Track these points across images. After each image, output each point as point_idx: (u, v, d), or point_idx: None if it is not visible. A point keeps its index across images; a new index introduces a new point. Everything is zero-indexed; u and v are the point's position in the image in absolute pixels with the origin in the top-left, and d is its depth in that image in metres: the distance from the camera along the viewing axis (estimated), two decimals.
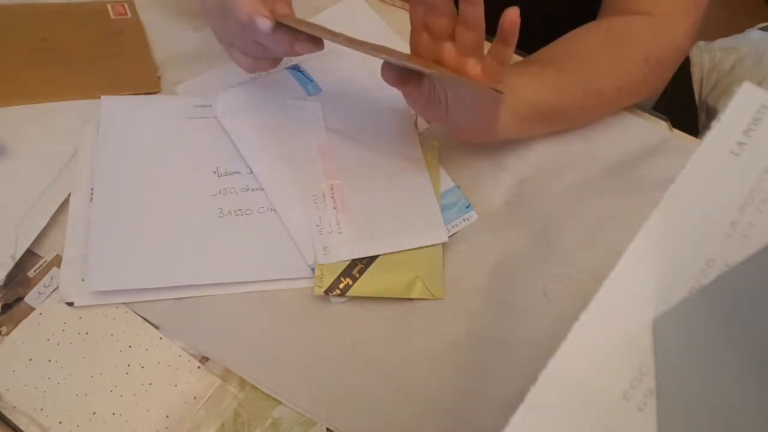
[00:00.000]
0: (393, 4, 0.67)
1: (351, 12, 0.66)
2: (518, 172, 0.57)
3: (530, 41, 0.59)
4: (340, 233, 0.52)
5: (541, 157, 0.58)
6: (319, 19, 0.66)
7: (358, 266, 0.51)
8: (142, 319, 0.49)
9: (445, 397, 0.47)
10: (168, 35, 0.66)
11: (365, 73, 0.62)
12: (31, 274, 0.51)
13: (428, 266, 0.52)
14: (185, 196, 0.54)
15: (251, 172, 0.55)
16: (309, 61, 0.62)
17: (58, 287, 0.50)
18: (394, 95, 0.52)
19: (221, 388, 0.48)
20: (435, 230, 0.53)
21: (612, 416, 0.26)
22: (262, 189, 0.55)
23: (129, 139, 0.56)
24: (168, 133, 0.57)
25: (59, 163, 0.55)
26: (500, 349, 0.49)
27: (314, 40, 0.48)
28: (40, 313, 0.49)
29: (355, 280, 0.50)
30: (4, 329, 0.49)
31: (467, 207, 0.55)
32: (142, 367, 0.48)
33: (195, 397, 0.47)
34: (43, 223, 0.52)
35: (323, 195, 0.54)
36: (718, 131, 0.28)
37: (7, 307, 0.50)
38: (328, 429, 0.46)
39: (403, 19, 0.66)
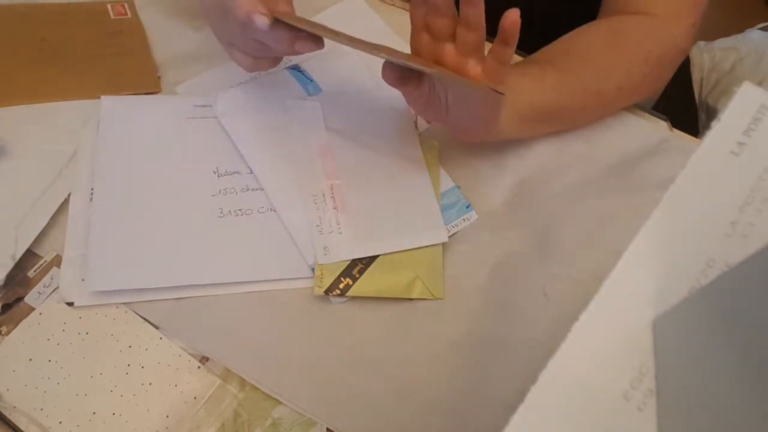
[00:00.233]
0: (393, 4, 0.67)
1: (351, 12, 0.66)
2: (518, 172, 0.57)
3: (530, 42, 0.59)
4: (340, 233, 0.52)
5: (541, 157, 0.58)
6: (319, 19, 0.66)
7: (358, 266, 0.51)
8: (142, 319, 0.49)
9: (445, 397, 0.47)
10: (168, 35, 0.66)
11: (365, 73, 0.62)
12: (31, 274, 0.51)
13: (428, 266, 0.52)
14: (185, 196, 0.54)
15: (251, 172, 0.55)
16: (309, 61, 0.62)
17: (58, 287, 0.50)
18: (394, 95, 0.52)
19: (221, 388, 0.48)
20: (435, 230, 0.53)
21: (612, 416, 0.26)
22: (262, 189, 0.55)
23: (129, 139, 0.56)
24: (168, 133, 0.57)
25: (59, 163, 0.55)
26: (500, 349, 0.49)
27: (315, 38, 0.48)
28: (40, 313, 0.49)
29: (355, 280, 0.50)
30: (4, 329, 0.49)
31: (467, 207, 0.55)
32: (142, 367, 0.48)
33: (195, 397, 0.47)
34: (43, 223, 0.52)
35: (323, 195, 0.54)
36: (718, 131, 0.28)
37: (7, 307, 0.50)
38: (328, 429, 0.46)
39: (403, 19, 0.66)
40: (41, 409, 0.46)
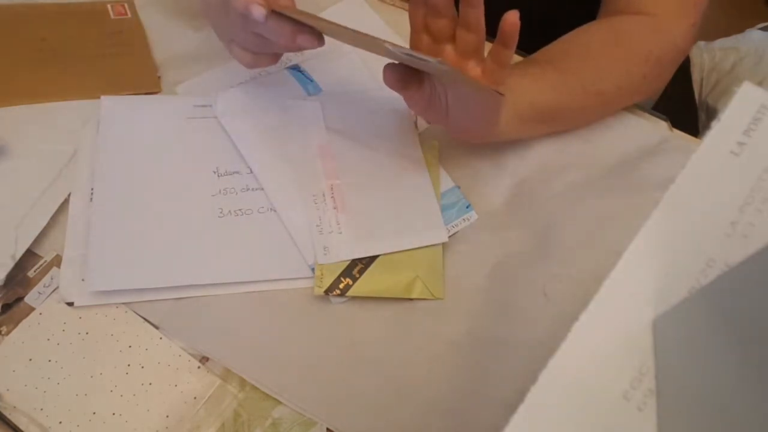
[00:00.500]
0: (393, 4, 0.67)
1: (351, 12, 0.66)
2: (518, 172, 0.57)
3: (530, 42, 0.59)
4: (340, 233, 0.52)
5: (541, 157, 0.58)
6: None
7: (358, 266, 0.51)
8: (142, 319, 0.49)
9: (445, 397, 0.47)
10: (168, 35, 0.66)
11: (365, 73, 0.62)
12: (31, 274, 0.51)
13: (428, 266, 0.52)
14: (185, 196, 0.54)
15: (251, 172, 0.55)
16: (309, 61, 0.62)
17: (58, 287, 0.50)
18: (394, 95, 0.52)
19: (221, 388, 0.48)
20: (435, 230, 0.53)
21: (612, 416, 0.26)
22: (262, 189, 0.55)
23: (129, 139, 0.56)
24: (168, 133, 0.57)
25: (59, 163, 0.55)
26: (500, 349, 0.49)
27: (316, 33, 0.48)
28: (40, 313, 0.49)
29: (355, 280, 0.50)
30: (4, 329, 0.49)
31: (467, 207, 0.55)
32: (142, 367, 0.48)
33: (195, 397, 0.47)
34: (43, 223, 0.52)
35: (323, 195, 0.54)
36: (718, 131, 0.28)
37: (7, 307, 0.50)
38: (328, 429, 0.46)
39: (403, 19, 0.66)
40: (41, 409, 0.46)
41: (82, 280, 0.50)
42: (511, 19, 0.42)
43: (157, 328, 0.49)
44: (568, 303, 0.50)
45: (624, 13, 0.58)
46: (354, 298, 0.51)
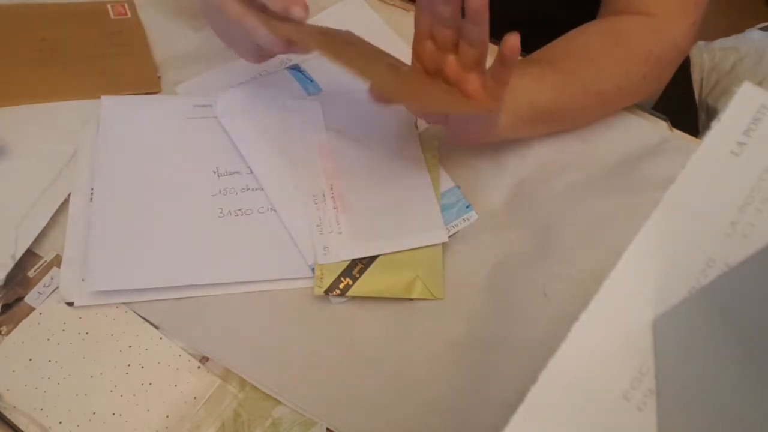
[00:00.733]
0: (393, 4, 0.67)
1: (351, 12, 0.66)
2: (518, 172, 0.57)
3: (530, 42, 0.59)
4: (340, 233, 0.52)
5: (541, 157, 0.58)
6: (319, 19, 0.66)
7: (358, 266, 0.51)
8: (142, 319, 0.49)
9: (445, 397, 0.47)
10: (168, 35, 0.66)
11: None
12: (31, 274, 0.51)
13: (428, 266, 0.52)
14: (185, 196, 0.54)
15: (251, 172, 0.55)
16: (309, 61, 0.62)
17: (58, 287, 0.50)
18: None
19: (221, 388, 0.48)
20: (435, 230, 0.53)
21: (612, 416, 0.26)
22: (262, 189, 0.55)
23: (129, 139, 0.56)
24: (168, 133, 0.57)
25: (59, 163, 0.55)
26: (500, 349, 0.49)
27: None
28: (40, 313, 0.49)
29: (355, 280, 0.50)
30: (4, 329, 0.49)
31: (467, 207, 0.55)
32: (142, 367, 0.48)
33: (195, 397, 0.47)
34: (43, 223, 0.52)
35: (323, 195, 0.54)
36: (718, 131, 0.28)
37: (7, 307, 0.50)
38: (328, 429, 0.46)
39: (402, 19, 0.66)
40: (41, 409, 0.46)
41: (82, 280, 0.50)
42: (511, 42, 0.42)
43: (157, 328, 0.49)
44: (568, 303, 0.50)
45: (624, 13, 0.58)
46: (354, 298, 0.51)
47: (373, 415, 0.46)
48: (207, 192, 0.54)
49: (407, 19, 0.66)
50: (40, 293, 0.50)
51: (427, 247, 0.52)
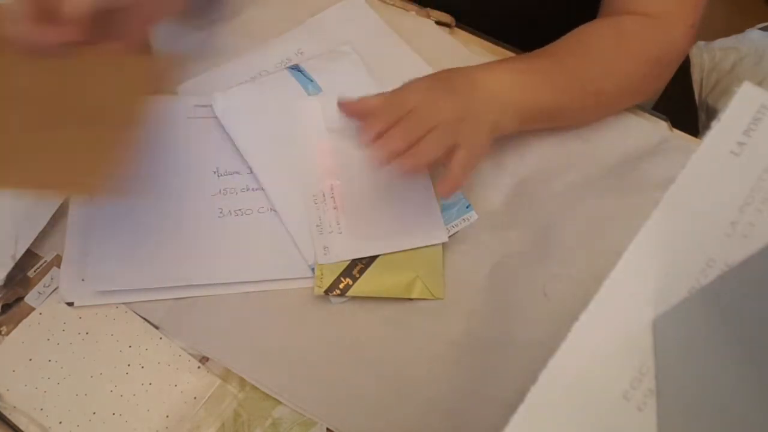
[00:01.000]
0: (393, 4, 0.67)
1: (351, 12, 0.66)
2: (518, 172, 0.57)
3: (530, 42, 0.59)
4: (340, 233, 0.52)
5: (541, 157, 0.58)
6: (319, 19, 0.66)
7: (358, 266, 0.51)
8: (142, 319, 0.49)
9: (445, 397, 0.47)
10: (168, 35, 0.65)
11: (365, 73, 0.62)
12: (31, 274, 0.51)
13: (428, 266, 0.52)
14: (185, 196, 0.54)
15: (251, 172, 0.55)
16: (309, 61, 0.61)
17: (58, 287, 0.50)
18: None
19: (221, 388, 0.48)
20: (435, 230, 0.53)
21: (612, 416, 0.26)
22: (262, 189, 0.55)
23: None
24: (168, 133, 0.57)
25: None
26: (500, 349, 0.49)
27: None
28: (40, 313, 0.49)
29: (355, 280, 0.50)
30: (4, 329, 0.49)
31: (467, 207, 0.55)
32: (142, 367, 0.48)
33: (195, 397, 0.47)
34: (43, 223, 0.52)
35: (323, 195, 0.54)
36: (718, 131, 0.28)
37: (7, 307, 0.50)
38: (328, 429, 0.46)
39: (402, 19, 0.66)
40: (41, 409, 0.46)
41: (82, 280, 0.50)
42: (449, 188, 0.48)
43: (157, 328, 0.49)
44: (568, 303, 0.50)
45: (623, 14, 0.58)
46: (354, 298, 0.51)
47: (373, 415, 0.46)
48: (207, 192, 0.54)
49: (407, 19, 0.66)
50: (40, 293, 0.50)
51: (427, 247, 0.52)
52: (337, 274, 0.50)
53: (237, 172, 0.56)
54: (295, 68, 0.61)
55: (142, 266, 0.50)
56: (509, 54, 0.63)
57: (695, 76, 0.85)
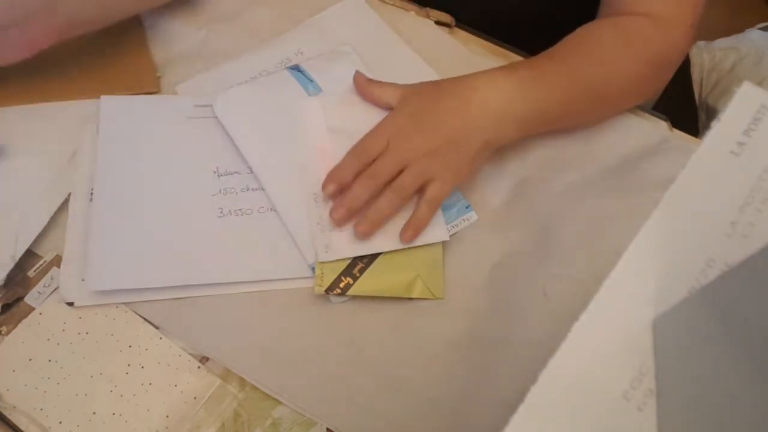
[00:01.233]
0: (393, 4, 0.67)
1: (351, 12, 0.66)
2: (518, 172, 0.57)
3: (530, 42, 0.59)
4: (341, 231, 0.52)
5: (540, 157, 0.58)
6: (319, 19, 0.66)
7: (359, 265, 0.51)
8: (142, 319, 0.49)
9: (445, 397, 0.47)
10: (168, 35, 0.66)
11: (365, 73, 0.62)
12: (31, 274, 0.51)
13: (429, 266, 0.52)
14: (185, 196, 0.54)
15: (251, 172, 0.55)
16: (309, 61, 0.61)
17: (58, 287, 0.50)
18: None
19: (221, 388, 0.48)
20: (436, 228, 0.53)
21: (612, 416, 0.26)
22: (262, 189, 0.55)
23: (129, 139, 0.56)
24: (168, 133, 0.57)
25: (59, 163, 0.55)
26: (500, 349, 0.49)
27: None
28: (40, 313, 0.49)
29: (355, 279, 0.50)
30: (4, 329, 0.49)
31: (467, 207, 0.55)
32: (142, 367, 0.48)
33: (195, 397, 0.47)
34: (43, 223, 0.52)
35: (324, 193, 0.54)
36: (718, 131, 0.28)
37: (7, 307, 0.50)
38: (328, 429, 0.46)
39: (402, 19, 0.66)
40: (41, 409, 0.46)
41: (82, 280, 0.50)
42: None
43: (157, 328, 0.49)
44: (568, 303, 0.50)
45: (623, 14, 0.58)
46: (354, 297, 0.51)
47: (373, 415, 0.46)
48: (207, 192, 0.54)
49: (407, 19, 0.66)
50: (40, 293, 0.50)
51: (427, 246, 0.52)
52: (338, 273, 0.50)
53: (237, 172, 0.56)
54: (296, 68, 0.61)
55: (142, 266, 0.50)
56: (509, 54, 0.64)
57: (695, 76, 0.85)
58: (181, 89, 0.62)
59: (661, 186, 0.31)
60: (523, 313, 0.50)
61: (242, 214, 0.54)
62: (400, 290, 0.51)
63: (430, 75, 0.61)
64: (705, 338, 0.26)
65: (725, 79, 0.84)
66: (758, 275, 0.23)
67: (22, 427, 0.45)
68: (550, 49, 0.56)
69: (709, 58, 0.86)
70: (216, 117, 0.58)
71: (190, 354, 0.49)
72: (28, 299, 0.50)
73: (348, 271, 0.51)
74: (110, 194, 0.53)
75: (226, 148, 0.56)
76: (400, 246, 0.52)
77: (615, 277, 0.27)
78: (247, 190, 0.55)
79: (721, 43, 0.88)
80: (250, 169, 0.55)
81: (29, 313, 0.49)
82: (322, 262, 0.50)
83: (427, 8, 0.66)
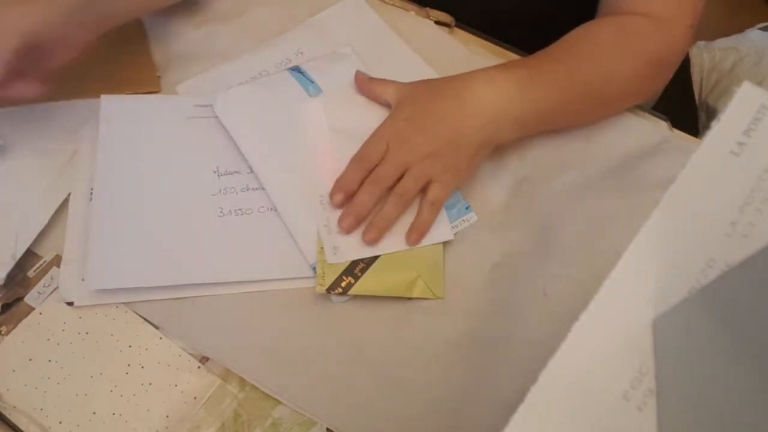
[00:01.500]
0: (393, 4, 0.67)
1: (351, 12, 0.66)
2: (518, 172, 0.57)
3: (530, 42, 0.59)
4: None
5: (540, 156, 0.58)
6: (319, 19, 0.66)
7: (360, 265, 0.51)
8: (142, 319, 0.49)
9: (444, 397, 0.47)
10: (168, 35, 0.66)
11: (365, 73, 0.62)
12: (31, 274, 0.51)
13: (429, 265, 0.52)
14: (185, 196, 0.54)
15: (251, 172, 0.55)
16: (310, 62, 0.61)
17: (58, 287, 0.50)
18: None
19: (221, 388, 0.48)
20: (441, 228, 0.53)
21: (612, 416, 0.26)
22: (263, 189, 0.55)
23: (129, 139, 0.56)
24: (168, 133, 0.57)
25: (59, 163, 0.55)
26: (500, 349, 0.49)
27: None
28: (40, 313, 0.49)
29: (357, 278, 0.50)
30: (4, 329, 0.49)
31: (467, 208, 0.55)
32: (142, 367, 0.48)
33: (195, 397, 0.47)
34: (43, 223, 0.52)
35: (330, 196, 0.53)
36: (718, 131, 0.28)
37: (7, 307, 0.50)
38: (328, 429, 0.46)
39: (402, 19, 0.66)
40: (41, 409, 0.46)
41: (82, 279, 0.50)
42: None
43: (157, 328, 0.49)
44: (568, 303, 0.50)
45: (622, 14, 0.58)
46: (354, 297, 0.51)
47: (373, 415, 0.46)
48: (207, 192, 0.54)
49: (407, 19, 0.66)
50: (40, 293, 0.50)
51: (428, 246, 0.52)
52: (339, 272, 0.50)
53: (237, 172, 0.56)
54: (296, 69, 0.61)
55: (142, 266, 0.50)
56: (509, 54, 0.63)
57: (695, 76, 0.85)
58: (181, 89, 0.62)
59: (661, 186, 0.31)
60: (523, 313, 0.50)
61: (242, 214, 0.54)
62: (401, 290, 0.51)
63: (430, 75, 0.61)
64: (705, 338, 0.26)
65: (725, 79, 0.84)
66: (758, 275, 0.23)
67: (22, 427, 0.45)
68: (548, 48, 0.56)
69: (709, 58, 0.86)
70: (216, 117, 0.58)
71: (190, 354, 0.49)
72: (28, 299, 0.50)
73: (349, 271, 0.51)
74: (110, 194, 0.53)
75: (226, 148, 0.56)
76: (406, 247, 0.52)
77: (615, 277, 0.27)
78: (247, 189, 0.55)
79: (721, 43, 0.88)
80: (251, 168, 0.55)
81: (29, 313, 0.49)
82: (324, 262, 0.50)
83: (427, 8, 0.66)
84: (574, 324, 0.26)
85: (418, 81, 0.55)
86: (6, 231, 0.51)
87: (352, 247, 0.51)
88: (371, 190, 0.51)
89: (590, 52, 0.56)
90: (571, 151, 0.58)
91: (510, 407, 0.24)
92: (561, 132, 0.58)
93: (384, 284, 0.51)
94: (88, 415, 0.46)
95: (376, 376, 0.48)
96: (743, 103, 0.28)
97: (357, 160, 0.52)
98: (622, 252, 0.28)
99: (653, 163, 0.57)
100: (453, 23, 0.66)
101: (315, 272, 0.50)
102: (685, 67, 0.83)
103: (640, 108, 0.61)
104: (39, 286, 0.51)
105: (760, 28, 0.89)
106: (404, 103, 0.54)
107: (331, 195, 0.52)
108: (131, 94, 0.60)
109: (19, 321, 0.49)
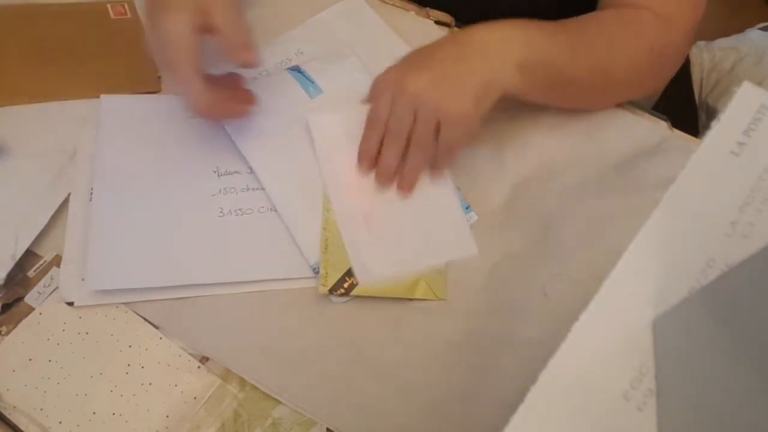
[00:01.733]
0: (393, 4, 0.67)
1: (351, 12, 0.66)
2: (518, 172, 0.57)
3: None
4: (377, 250, 0.51)
5: (541, 156, 0.58)
6: (319, 19, 0.66)
7: None
8: (142, 319, 0.49)
9: (445, 397, 0.47)
10: None
11: (366, 75, 0.62)
12: (31, 274, 0.51)
13: (432, 268, 0.52)
14: (185, 196, 0.54)
15: (251, 172, 0.55)
16: (310, 62, 0.61)
17: (58, 287, 0.50)
18: None
19: (221, 388, 0.48)
20: (464, 243, 0.53)
21: (612, 416, 0.26)
22: (263, 189, 0.55)
23: (129, 139, 0.56)
24: (168, 133, 0.57)
25: (59, 163, 0.55)
26: (500, 349, 0.49)
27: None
28: (40, 313, 0.49)
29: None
30: (4, 329, 0.49)
31: (467, 208, 0.55)
32: (142, 367, 0.48)
33: (195, 397, 0.47)
34: (43, 223, 0.52)
35: (356, 213, 0.53)
36: (718, 131, 0.28)
37: (7, 307, 0.50)
38: (328, 429, 0.46)
39: (402, 19, 0.66)
40: (41, 409, 0.46)
41: (82, 279, 0.50)
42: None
43: (157, 328, 0.49)
44: (568, 303, 0.50)
45: (623, 6, 0.58)
46: (354, 298, 0.51)
47: (373, 415, 0.46)
48: (207, 192, 0.54)
49: (407, 19, 0.66)
50: (40, 293, 0.50)
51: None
52: (342, 273, 0.50)
53: (237, 172, 0.56)
54: (296, 69, 0.61)
55: (142, 266, 0.50)
56: None
57: (695, 76, 0.85)
58: None
59: (661, 186, 0.31)
60: (523, 313, 0.50)
61: (242, 214, 0.54)
62: (403, 291, 0.51)
63: None
64: (705, 338, 0.26)
65: (725, 79, 0.84)
66: (758, 275, 0.23)
67: (22, 427, 0.45)
68: (559, 21, 0.56)
69: (709, 58, 0.86)
70: None
71: (190, 354, 0.49)
72: (28, 299, 0.50)
73: (352, 272, 0.51)
74: (110, 194, 0.53)
75: (226, 148, 0.56)
76: (431, 263, 0.52)
77: (615, 277, 0.27)
78: (248, 189, 0.55)
79: (721, 43, 0.88)
80: (251, 168, 0.55)
81: (29, 313, 0.49)
82: (328, 262, 0.50)
83: (427, 8, 0.66)
84: (574, 324, 0.26)
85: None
86: (6, 231, 0.51)
87: (379, 265, 0.51)
88: (392, 148, 0.52)
89: (594, 28, 0.56)
90: (571, 152, 0.58)
91: (510, 407, 0.24)
92: (561, 132, 0.58)
93: (386, 285, 0.50)
94: (88, 415, 0.46)
95: (376, 376, 0.48)
96: (743, 103, 0.28)
97: (370, 123, 0.53)
98: (622, 252, 0.28)
99: (653, 163, 0.57)
100: (453, 23, 0.66)
101: (315, 272, 0.50)
102: (685, 67, 0.83)
103: (640, 108, 0.61)
104: (39, 286, 0.51)
105: (760, 28, 0.89)
106: (402, 58, 0.54)
107: (360, 163, 0.54)
108: (131, 94, 0.60)
109: (19, 321, 0.49)
